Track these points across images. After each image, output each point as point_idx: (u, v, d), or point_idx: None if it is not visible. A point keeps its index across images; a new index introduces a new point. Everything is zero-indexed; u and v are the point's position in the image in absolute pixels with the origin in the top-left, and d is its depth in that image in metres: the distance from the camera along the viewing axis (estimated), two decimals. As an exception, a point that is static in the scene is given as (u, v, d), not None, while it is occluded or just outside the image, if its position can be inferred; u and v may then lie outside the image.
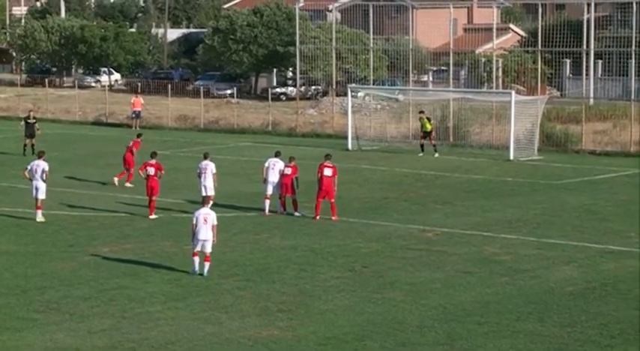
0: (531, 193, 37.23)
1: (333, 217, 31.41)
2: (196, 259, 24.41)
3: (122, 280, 24.10)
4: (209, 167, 32.88)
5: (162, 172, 32.66)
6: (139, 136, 40.52)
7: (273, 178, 32.54)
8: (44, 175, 31.73)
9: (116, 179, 38.04)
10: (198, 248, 24.42)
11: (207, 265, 24.46)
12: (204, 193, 32.41)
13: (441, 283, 24.03)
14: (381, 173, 42.11)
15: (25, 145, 47.54)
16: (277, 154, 33.24)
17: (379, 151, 49.26)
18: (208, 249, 24.45)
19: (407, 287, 23.57)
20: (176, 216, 31.99)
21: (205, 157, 33.58)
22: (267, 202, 32.53)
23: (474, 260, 26.38)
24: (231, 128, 59.34)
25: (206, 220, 24.33)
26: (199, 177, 33.01)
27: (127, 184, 37.56)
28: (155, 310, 21.76)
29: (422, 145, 47.65)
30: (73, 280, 24.14)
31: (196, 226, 24.37)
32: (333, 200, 31.56)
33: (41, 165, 31.88)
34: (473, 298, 22.67)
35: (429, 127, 47.57)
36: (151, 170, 32.22)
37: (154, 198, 32.10)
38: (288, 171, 32.40)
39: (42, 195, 31.66)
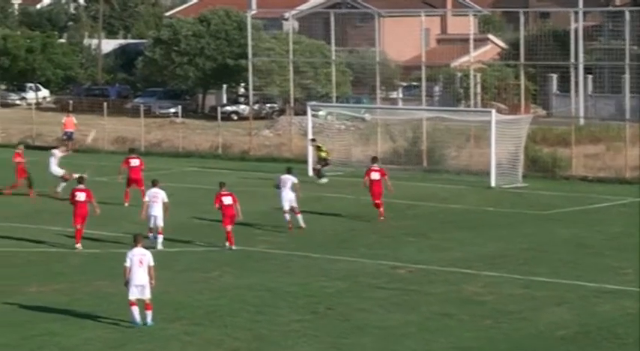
0: (516, 225, 37.34)
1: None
2: (135, 308, 23.75)
3: (52, 325, 23.83)
4: (159, 195, 32.89)
5: (93, 201, 32.71)
6: (18, 145, 44.10)
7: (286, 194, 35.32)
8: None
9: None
10: (135, 296, 23.72)
11: (149, 313, 23.77)
12: (152, 224, 32.39)
13: (415, 326, 23.98)
14: (347, 202, 42.09)
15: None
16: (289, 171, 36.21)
17: (344, 177, 49.24)
18: (147, 295, 23.76)
19: (377, 332, 23.49)
20: (114, 251, 31.74)
21: (154, 185, 33.54)
22: None
23: (453, 301, 26.37)
24: (176, 151, 59.17)
25: (141, 261, 23.79)
26: (148, 206, 32.94)
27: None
28: (90, 359, 21.55)
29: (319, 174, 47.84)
30: (-5, 326, 23.84)
31: (131, 269, 23.78)
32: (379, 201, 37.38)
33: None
34: (452, 344, 22.63)
35: (323, 154, 47.81)
36: (82, 196, 32.39)
37: (78, 226, 32.33)
38: (229, 200, 32.31)
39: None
